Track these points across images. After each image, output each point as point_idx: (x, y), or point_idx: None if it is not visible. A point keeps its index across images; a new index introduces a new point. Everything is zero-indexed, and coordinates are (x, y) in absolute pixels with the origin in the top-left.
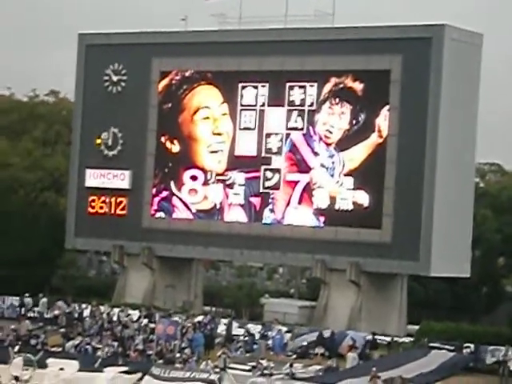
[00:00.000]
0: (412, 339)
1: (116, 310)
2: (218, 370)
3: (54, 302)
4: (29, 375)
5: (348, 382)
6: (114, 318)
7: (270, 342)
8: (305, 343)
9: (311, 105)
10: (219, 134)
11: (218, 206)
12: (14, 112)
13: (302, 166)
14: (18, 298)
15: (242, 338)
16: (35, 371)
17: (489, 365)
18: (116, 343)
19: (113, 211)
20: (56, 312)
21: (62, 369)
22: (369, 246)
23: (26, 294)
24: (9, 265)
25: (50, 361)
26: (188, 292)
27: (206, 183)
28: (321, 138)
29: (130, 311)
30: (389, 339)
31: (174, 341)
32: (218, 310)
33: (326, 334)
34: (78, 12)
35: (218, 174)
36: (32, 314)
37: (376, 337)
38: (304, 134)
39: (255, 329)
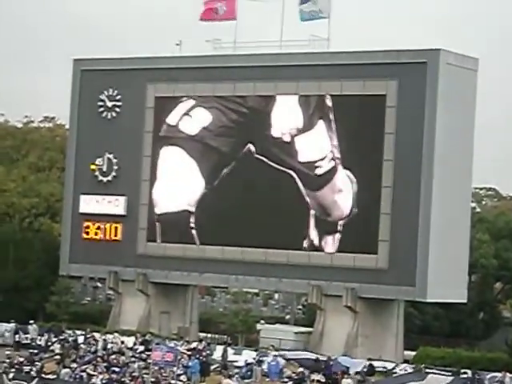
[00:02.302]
0: (411, 365)
1: (110, 337)
2: None
3: (47, 328)
4: None
5: None
6: (109, 345)
7: (265, 367)
8: (301, 369)
9: None
10: None
11: None
12: (9, 138)
13: None
14: (12, 324)
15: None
16: None
17: None
18: (111, 369)
19: (107, 237)
20: (53, 339)
21: None
22: (365, 271)
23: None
24: (3, 291)
25: None
26: (183, 318)
27: None
28: None
29: (125, 338)
30: (387, 365)
31: (172, 367)
32: (214, 337)
33: (322, 359)
34: (73, 37)
35: None
36: (25, 341)
37: (374, 363)
38: None
39: (250, 355)
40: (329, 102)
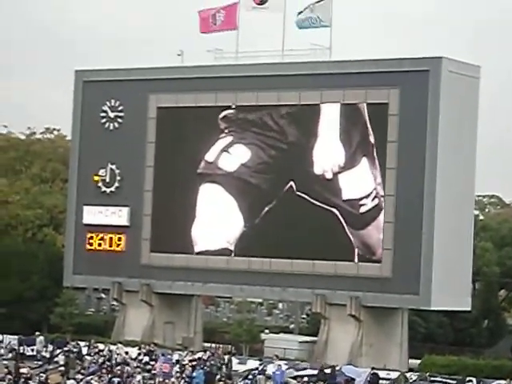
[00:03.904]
0: (416, 373)
1: (114, 348)
2: None
3: (52, 340)
4: None
5: None
6: (114, 356)
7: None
8: (306, 379)
9: None
10: None
11: None
12: (11, 150)
13: None
14: (16, 336)
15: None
16: None
17: None
18: (116, 380)
19: (111, 248)
20: (57, 351)
21: None
22: (369, 280)
23: None
24: (7, 303)
25: None
26: (187, 328)
27: None
28: None
29: (129, 348)
30: (392, 374)
31: (170, 378)
32: (218, 346)
33: (327, 369)
34: (75, 48)
35: None
36: (30, 353)
37: (378, 372)
38: None
39: (254, 364)
40: (372, 139)
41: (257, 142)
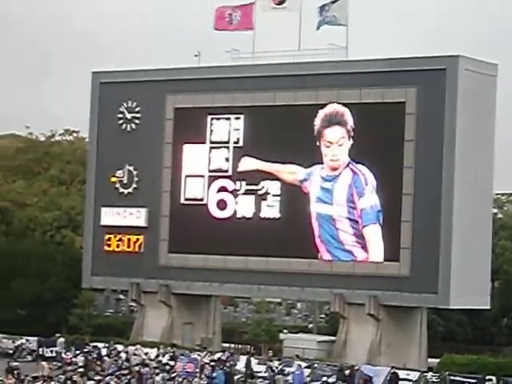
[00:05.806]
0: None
1: (133, 349)
2: None
3: (72, 341)
4: None
5: None
6: (133, 357)
7: (289, 378)
8: (325, 378)
9: None
10: None
11: None
12: (30, 151)
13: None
14: (35, 338)
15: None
16: None
17: None
18: (135, 381)
19: (129, 249)
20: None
21: None
22: (387, 279)
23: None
24: (26, 305)
25: None
26: (206, 329)
27: None
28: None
29: (148, 349)
30: (412, 374)
31: (193, 378)
32: (237, 347)
33: (347, 370)
34: (92, 50)
35: None
36: (50, 354)
37: (398, 371)
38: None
39: (274, 364)
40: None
41: (275, 143)
